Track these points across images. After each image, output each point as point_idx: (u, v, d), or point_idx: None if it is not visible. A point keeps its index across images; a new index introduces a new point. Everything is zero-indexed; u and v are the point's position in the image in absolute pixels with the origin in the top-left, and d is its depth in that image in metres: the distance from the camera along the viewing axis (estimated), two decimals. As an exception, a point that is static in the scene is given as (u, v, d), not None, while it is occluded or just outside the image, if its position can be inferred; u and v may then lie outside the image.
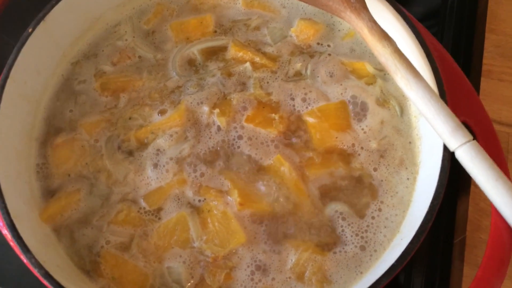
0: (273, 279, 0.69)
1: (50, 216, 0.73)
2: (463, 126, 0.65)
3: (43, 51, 0.78)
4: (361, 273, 0.69)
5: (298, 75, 0.81)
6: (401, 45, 0.71)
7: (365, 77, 0.80)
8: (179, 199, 0.73)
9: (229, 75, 0.81)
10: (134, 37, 0.85)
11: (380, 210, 0.73)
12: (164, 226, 0.71)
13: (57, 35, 0.80)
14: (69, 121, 0.79)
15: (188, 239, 0.71)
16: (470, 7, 1.02)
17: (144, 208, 0.73)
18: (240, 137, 0.76)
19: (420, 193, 0.71)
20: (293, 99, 0.78)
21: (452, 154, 0.65)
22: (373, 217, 0.72)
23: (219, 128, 0.76)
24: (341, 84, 0.79)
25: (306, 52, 0.83)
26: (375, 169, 0.75)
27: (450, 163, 0.66)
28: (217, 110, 0.77)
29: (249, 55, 0.82)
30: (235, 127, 0.76)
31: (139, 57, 0.84)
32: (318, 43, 0.84)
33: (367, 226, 0.72)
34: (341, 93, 0.78)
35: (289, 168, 0.73)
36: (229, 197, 0.72)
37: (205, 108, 0.77)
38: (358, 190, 0.74)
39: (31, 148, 0.77)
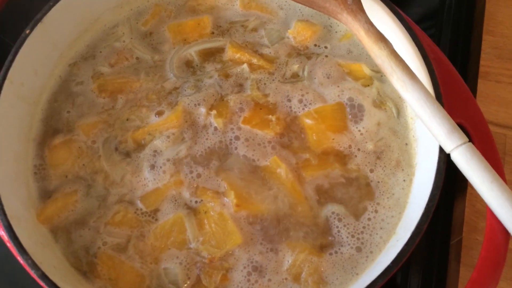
0: (269, 280, 0.69)
1: (47, 217, 0.73)
2: (458, 128, 0.65)
3: (41, 52, 0.78)
4: (357, 274, 0.69)
5: (295, 76, 0.81)
6: (398, 47, 0.72)
7: (362, 79, 0.80)
8: (176, 200, 0.73)
9: (226, 76, 0.81)
10: (131, 38, 0.85)
11: (376, 211, 0.73)
12: (160, 227, 0.72)
13: (55, 37, 0.80)
14: (67, 122, 0.79)
15: (185, 240, 0.71)
16: (468, 9, 1.02)
17: (141, 209, 0.73)
18: (237, 138, 0.76)
19: (416, 195, 0.71)
20: (290, 100, 0.78)
21: (448, 156, 0.66)
22: (369, 219, 0.72)
23: (216, 129, 0.76)
24: (338, 86, 0.79)
25: (303, 53, 0.83)
26: (371, 171, 0.75)
27: (446, 165, 0.67)
28: (214, 112, 0.77)
29: (247, 56, 0.82)
30: (232, 129, 0.76)
31: (137, 58, 0.84)
32: (315, 45, 0.84)
33: (363, 227, 0.72)
34: (338, 95, 0.79)
35: (285, 169, 0.73)
36: (225, 198, 0.72)
37: (202, 110, 0.77)
38: (355, 191, 0.74)
39: (28, 149, 0.77)
